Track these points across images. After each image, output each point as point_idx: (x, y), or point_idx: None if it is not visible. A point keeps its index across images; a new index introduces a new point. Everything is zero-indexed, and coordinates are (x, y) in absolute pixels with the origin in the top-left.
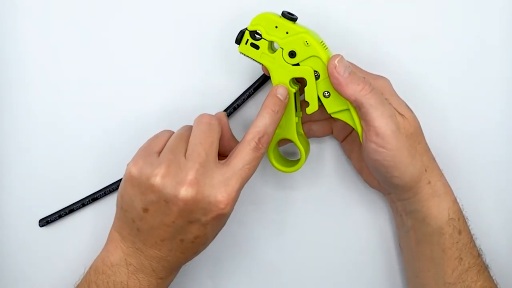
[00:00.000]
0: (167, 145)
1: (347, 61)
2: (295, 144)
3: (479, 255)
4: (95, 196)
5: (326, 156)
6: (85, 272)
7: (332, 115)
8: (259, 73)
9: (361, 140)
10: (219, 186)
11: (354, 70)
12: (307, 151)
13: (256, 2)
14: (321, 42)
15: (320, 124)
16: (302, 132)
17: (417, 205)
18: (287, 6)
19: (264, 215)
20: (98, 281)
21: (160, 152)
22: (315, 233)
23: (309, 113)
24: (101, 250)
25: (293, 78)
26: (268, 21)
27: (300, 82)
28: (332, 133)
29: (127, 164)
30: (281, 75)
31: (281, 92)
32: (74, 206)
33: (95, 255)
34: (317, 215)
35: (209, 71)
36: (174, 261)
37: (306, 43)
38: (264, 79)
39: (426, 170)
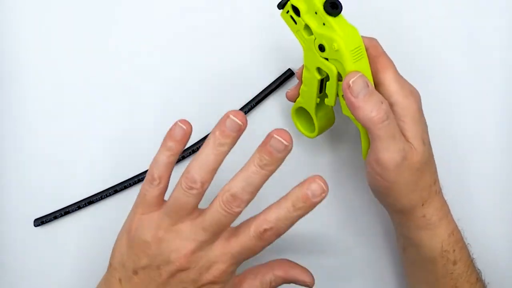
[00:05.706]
0: (169, 205)
1: (367, 80)
2: (311, 115)
3: (477, 280)
4: (91, 200)
5: (326, 159)
6: None
7: (346, 114)
8: (263, 84)
9: (363, 155)
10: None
11: (372, 91)
12: (322, 125)
13: None
14: (355, 48)
15: None
16: (330, 113)
17: (407, 233)
18: None
19: None
20: None
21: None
22: (316, 235)
23: (327, 104)
24: None
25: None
26: (310, 3)
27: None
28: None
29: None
30: (310, 60)
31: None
32: (70, 208)
33: (89, 257)
34: (318, 217)
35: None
36: None
37: (334, 46)
38: (269, 93)
39: (423, 204)
